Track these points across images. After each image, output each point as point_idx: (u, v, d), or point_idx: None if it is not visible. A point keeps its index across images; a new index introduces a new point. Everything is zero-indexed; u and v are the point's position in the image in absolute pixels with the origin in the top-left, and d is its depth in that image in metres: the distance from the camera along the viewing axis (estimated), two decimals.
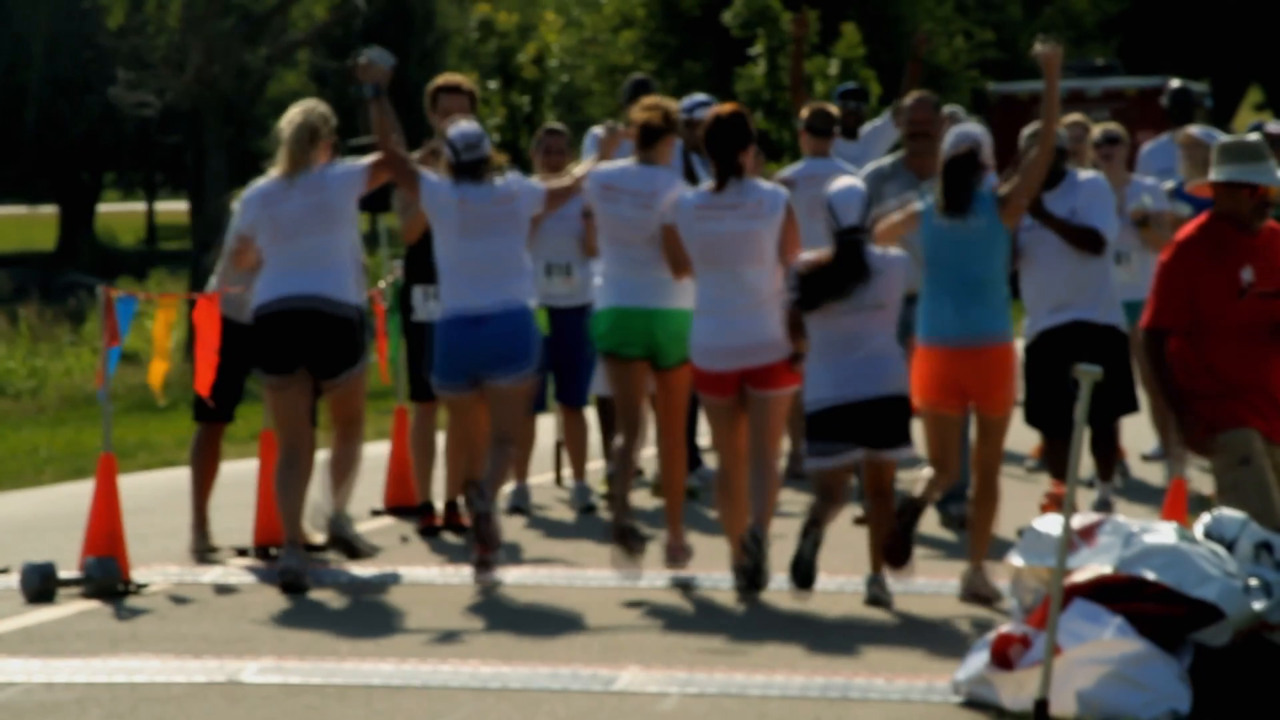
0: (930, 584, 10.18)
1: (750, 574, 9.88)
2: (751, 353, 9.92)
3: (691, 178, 10.69)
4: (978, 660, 7.89)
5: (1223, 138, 14.64)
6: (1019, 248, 11.18)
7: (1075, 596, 7.72)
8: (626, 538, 10.23)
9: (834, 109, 13.35)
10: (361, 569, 10.66)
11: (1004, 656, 7.75)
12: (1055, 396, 10.92)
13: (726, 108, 10.18)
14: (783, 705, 7.90)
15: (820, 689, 8.10)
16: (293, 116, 10.54)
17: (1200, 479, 12.76)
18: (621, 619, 9.57)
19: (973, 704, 7.84)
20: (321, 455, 10.74)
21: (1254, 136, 8.90)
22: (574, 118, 35.35)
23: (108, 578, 10.08)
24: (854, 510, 11.72)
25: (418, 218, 11.44)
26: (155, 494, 13.98)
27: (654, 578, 10.39)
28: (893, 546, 9.68)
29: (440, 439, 12.10)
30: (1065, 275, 11.23)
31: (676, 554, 10.41)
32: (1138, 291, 12.78)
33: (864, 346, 9.69)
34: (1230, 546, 7.93)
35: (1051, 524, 8.01)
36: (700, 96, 13.58)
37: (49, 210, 59.56)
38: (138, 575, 10.36)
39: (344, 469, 10.64)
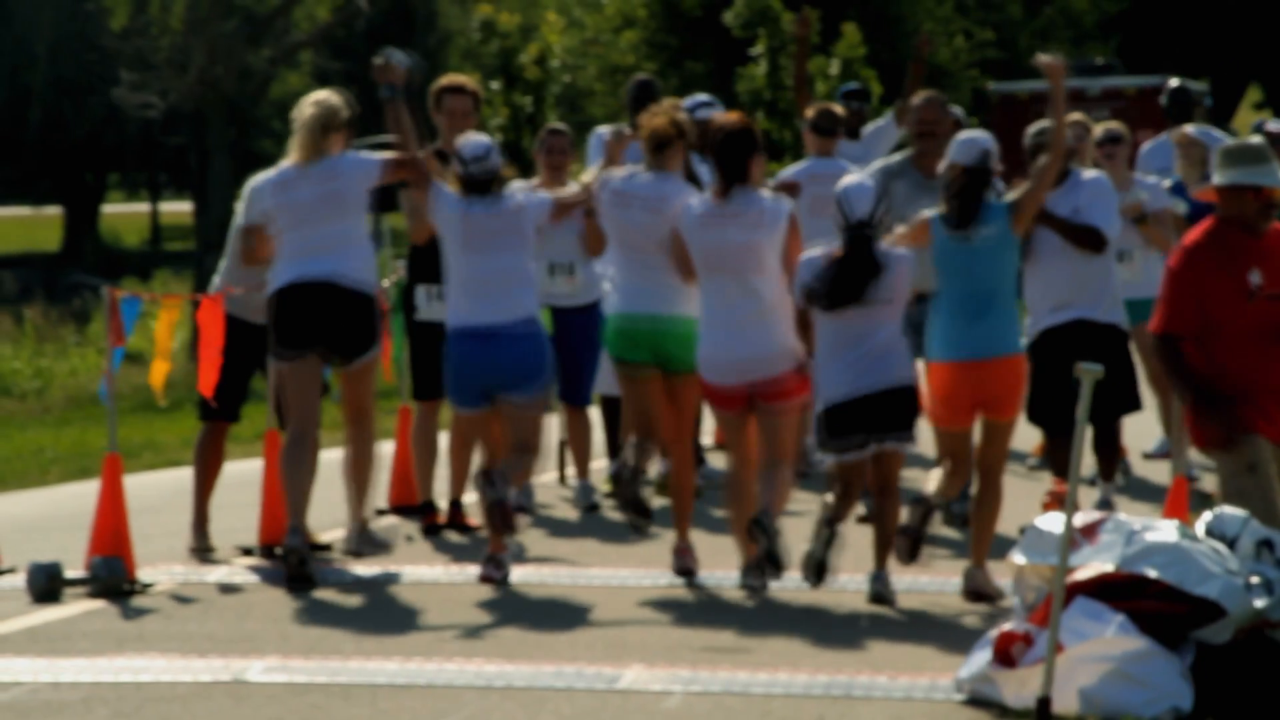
0: (933, 582, 10.21)
1: (766, 560, 9.90)
2: (758, 365, 9.98)
3: (690, 176, 10.74)
4: (980, 658, 7.91)
5: (1219, 135, 14.64)
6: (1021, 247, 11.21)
7: (1077, 594, 7.74)
8: (634, 508, 10.28)
9: (840, 109, 13.38)
10: (366, 568, 10.68)
11: (1006, 654, 7.77)
12: (1057, 395, 10.95)
13: (733, 118, 10.23)
14: (786, 703, 7.92)
15: (824, 687, 8.12)
16: (308, 105, 10.59)
17: (1208, 478, 12.79)
18: (625, 617, 9.59)
19: (975, 702, 7.86)
20: (330, 455, 10.77)
21: (1257, 139, 8.91)
22: (576, 118, 35.35)
23: (113, 577, 10.10)
24: (858, 509, 11.74)
25: (428, 223, 11.48)
26: (160, 494, 14.00)
27: (658, 577, 10.42)
28: (904, 543, 9.73)
29: (443, 438, 12.13)
30: (1068, 274, 11.26)
31: (683, 555, 10.45)
32: (1140, 289, 12.82)
33: (871, 340, 9.76)
34: (1232, 544, 7.95)
35: (1053, 522, 8.03)
36: (702, 96, 13.62)
37: (53, 211, 59.57)
38: (143, 575, 10.38)
39: (363, 472, 10.67)
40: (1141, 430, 14.31)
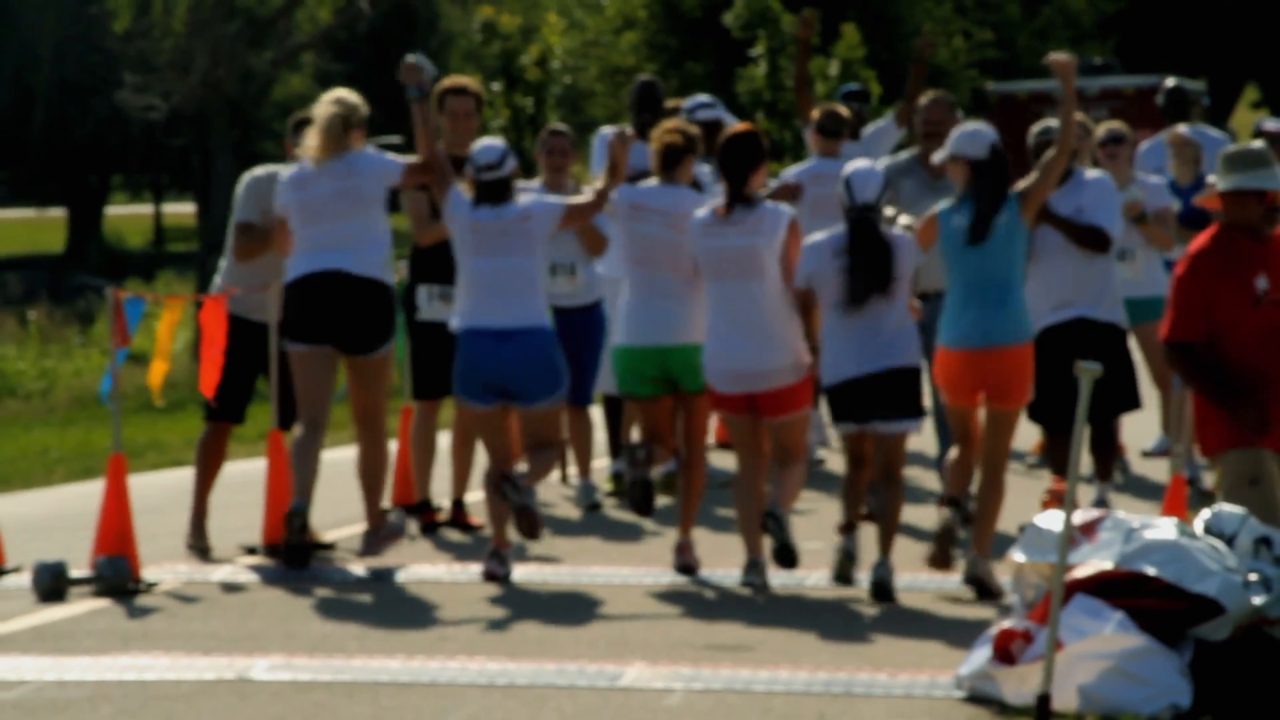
0: (933, 580, 10.25)
1: (779, 554, 9.97)
2: (757, 379, 10.05)
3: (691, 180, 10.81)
4: (980, 655, 7.94)
5: (1213, 134, 14.68)
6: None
7: (1076, 592, 7.77)
8: (639, 493, 10.34)
9: (845, 111, 13.42)
10: (368, 568, 10.72)
11: (1006, 652, 7.80)
12: (1057, 393, 10.99)
13: (740, 127, 10.31)
14: (787, 701, 7.95)
15: (824, 684, 8.15)
16: (327, 104, 10.63)
17: (1208, 477, 12.81)
18: (627, 615, 9.63)
19: (975, 699, 7.89)
20: (337, 454, 10.80)
21: (1258, 144, 8.95)
22: (577, 118, 35.39)
23: (118, 576, 10.14)
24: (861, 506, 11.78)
25: (439, 227, 11.52)
26: (165, 493, 14.02)
27: (659, 575, 10.46)
28: (936, 554, 9.93)
29: (444, 438, 12.16)
30: (1070, 273, 11.30)
31: (684, 552, 10.49)
32: (1142, 289, 12.86)
33: (877, 321, 9.85)
34: (1230, 542, 7.99)
35: (1053, 520, 8.07)
36: (702, 98, 13.65)
37: (57, 213, 59.55)
38: (148, 574, 10.41)
39: (374, 476, 10.70)
40: (1141, 428, 14.35)
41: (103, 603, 9.95)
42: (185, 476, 11.63)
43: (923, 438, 12.27)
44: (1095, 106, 28.69)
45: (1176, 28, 50.61)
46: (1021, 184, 9.97)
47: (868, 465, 10.08)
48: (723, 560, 10.61)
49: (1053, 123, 10.80)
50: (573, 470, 13.50)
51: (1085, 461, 12.27)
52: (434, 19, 52.56)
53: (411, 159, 10.68)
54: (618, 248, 11.69)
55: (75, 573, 10.25)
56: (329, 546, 11.21)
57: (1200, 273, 8.68)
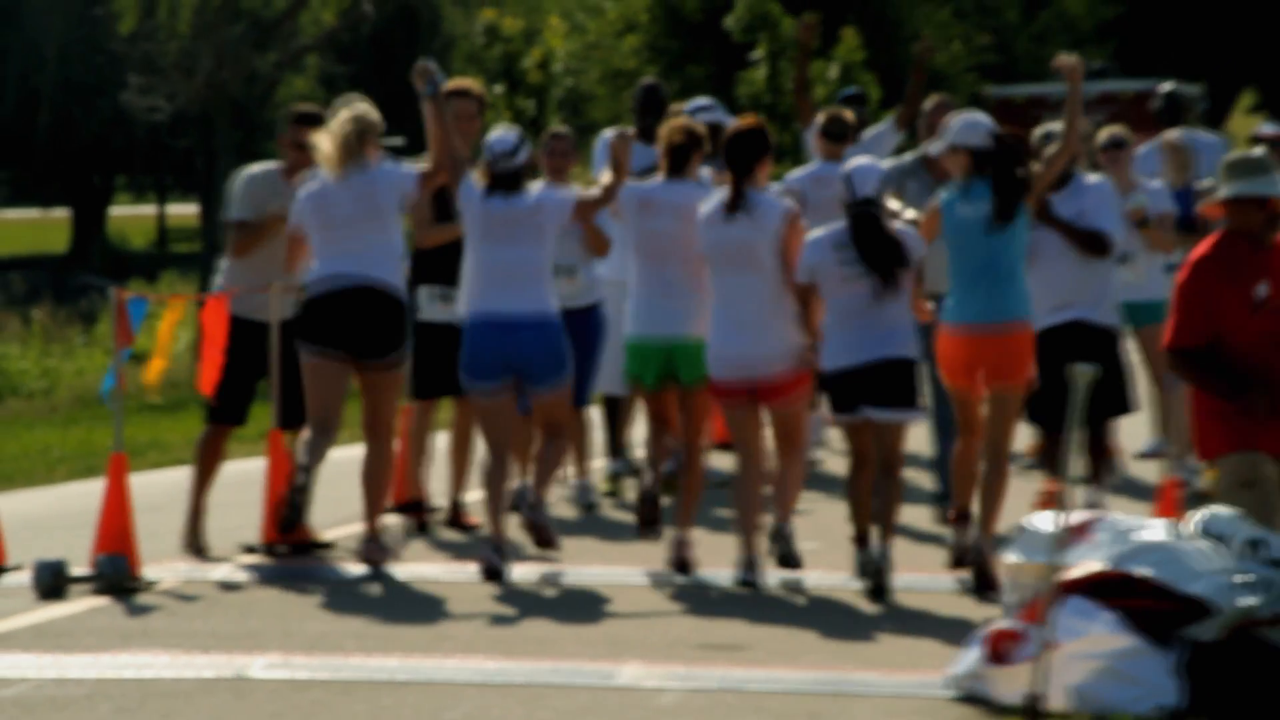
0: (926, 579, 10.29)
1: (784, 560, 10.13)
2: (755, 364, 10.11)
3: None
4: (972, 655, 7.96)
5: (1207, 139, 14.73)
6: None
7: (1069, 592, 7.81)
8: (646, 508, 10.41)
9: (850, 115, 13.48)
10: (366, 567, 10.75)
11: (998, 652, 7.84)
12: (1053, 394, 11.03)
13: (747, 121, 10.38)
14: (781, 700, 7.98)
15: (818, 683, 8.19)
16: (343, 119, 10.68)
17: (1202, 480, 12.83)
18: (622, 615, 9.67)
19: (967, 699, 7.91)
20: (338, 454, 10.83)
21: (1259, 151, 8.99)
22: (578, 121, 35.37)
23: (118, 574, 10.18)
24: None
25: (441, 230, 11.57)
26: (165, 492, 14.05)
27: (655, 574, 10.49)
28: (979, 577, 10.02)
29: (443, 438, 12.20)
30: (1069, 275, 11.33)
31: (681, 547, 10.53)
32: (1142, 292, 12.90)
33: (876, 312, 9.93)
34: (1224, 544, 8.01)
35: (1046, 521, 8.11)
36: (702, 100, 13.69)
37: (61, 213, 59.59)
38: (148, 572, 10.44)
39: (377, 483, 10.74)
40: (1134, 430, 14.38)
41: (102, 601, 9.98)
42: (186, 476, 11.66)
43: (921, 439, 12.32)
44: (1093, 111, 28.67)
45: (1174, 32, 50.63)
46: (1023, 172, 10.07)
47: (870, 465, 10.11)
48: (718, 559, 10.64)
49: (1053, 127, 10.88)
50: (570, 470, 13.54)
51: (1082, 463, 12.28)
52: (437, 22, 52.58)
53: (422, 167, 10.75)
54: (620, 250, 11.76)
55: (75, 571, 10.29)
56: (328, 545, 11.25)
57: (1200, 279, 8.71)
